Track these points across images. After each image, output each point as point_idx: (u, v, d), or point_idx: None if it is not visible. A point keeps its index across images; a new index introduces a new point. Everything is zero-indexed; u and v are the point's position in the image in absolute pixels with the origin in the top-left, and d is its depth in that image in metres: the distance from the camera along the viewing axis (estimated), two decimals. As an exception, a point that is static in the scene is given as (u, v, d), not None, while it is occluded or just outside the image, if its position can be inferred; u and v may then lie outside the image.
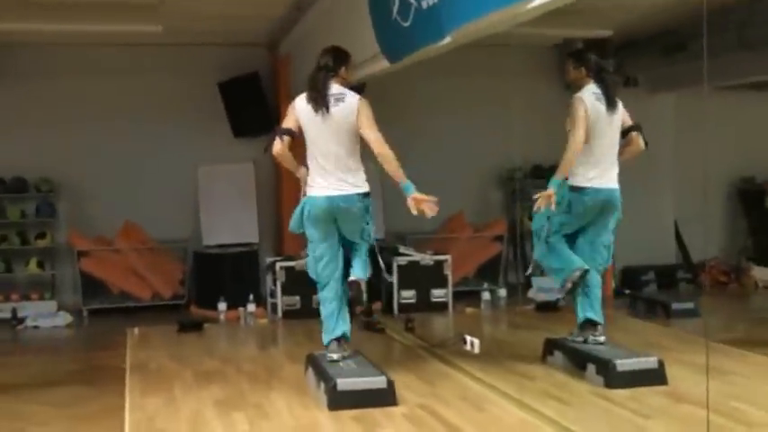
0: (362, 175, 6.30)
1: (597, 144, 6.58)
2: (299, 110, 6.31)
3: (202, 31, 10.22)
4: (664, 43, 10.41)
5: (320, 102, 6.17)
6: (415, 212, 5.95)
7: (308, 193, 6.38)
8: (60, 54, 10.62)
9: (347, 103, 6.16)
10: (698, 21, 9.11)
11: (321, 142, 6.23)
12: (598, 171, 6.62)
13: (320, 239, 6.39)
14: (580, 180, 6.59)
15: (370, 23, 6.80)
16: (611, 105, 6.59)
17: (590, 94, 6.54)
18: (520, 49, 10.97)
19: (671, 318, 9.32)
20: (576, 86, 6.72)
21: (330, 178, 6.22)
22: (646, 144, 6.88)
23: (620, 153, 6.78)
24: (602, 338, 6.72)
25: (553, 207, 6.36)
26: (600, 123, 6.55)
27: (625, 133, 6.80)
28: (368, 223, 6.40)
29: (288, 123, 6.35)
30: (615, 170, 6.72)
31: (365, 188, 6.29)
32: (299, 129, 6.31)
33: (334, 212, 6.26)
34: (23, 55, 10.53)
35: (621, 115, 6.75)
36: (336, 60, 6.34)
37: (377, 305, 9.65)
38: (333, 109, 6.15)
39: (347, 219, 6.29)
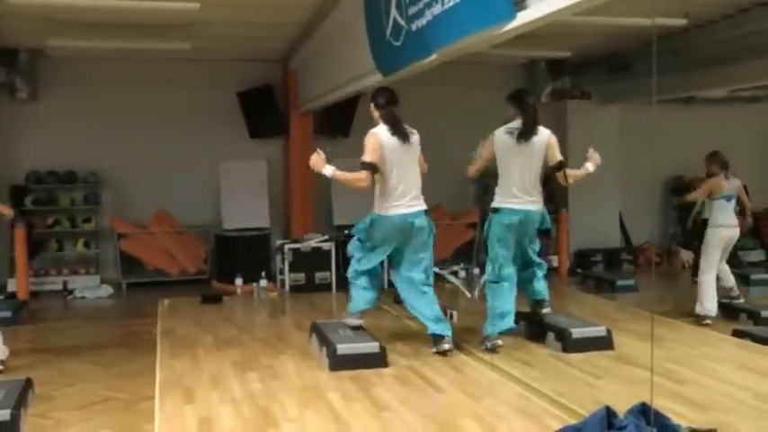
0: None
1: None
2: (385, 142, 5.96)
3: (225, 49, 10.11)
4: (612, 63, 10.41)
5: (404, 135, 6.02)
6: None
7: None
8: (106, 67, 10.47)
9: (417, 136, 6.15)
10: (641, 45, 9.21)
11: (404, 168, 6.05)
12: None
13: None
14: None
15: (366, 43, 6.70)
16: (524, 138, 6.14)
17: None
18: (492, 67, 10.88)
19: (615, 293, 9.30)
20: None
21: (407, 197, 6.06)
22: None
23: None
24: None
25: None
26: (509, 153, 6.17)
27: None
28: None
29: (372, 157, 5.89)
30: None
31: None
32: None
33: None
34: (75, 67, 10.37)
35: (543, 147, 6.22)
36: (394, 98, 6.13)
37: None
38: (412, 139, 6.09)
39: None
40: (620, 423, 3.69)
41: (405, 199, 6.00)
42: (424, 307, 6.17)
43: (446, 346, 6.02)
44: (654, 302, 8.57)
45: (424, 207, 6.13)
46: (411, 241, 6.11)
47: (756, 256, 11.85)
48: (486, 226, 6.45)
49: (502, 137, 6.18)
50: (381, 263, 6.39)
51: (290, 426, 4.48)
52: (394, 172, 5.96)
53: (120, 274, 10.42)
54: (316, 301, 8.94)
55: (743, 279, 9.37)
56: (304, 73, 10.20)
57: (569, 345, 6.08)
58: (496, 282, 6.25)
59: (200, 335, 7.12)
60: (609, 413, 3.72)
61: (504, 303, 6.20)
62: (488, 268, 6.34)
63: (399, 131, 5.98)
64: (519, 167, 6.15)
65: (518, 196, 6.16)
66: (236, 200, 10.88)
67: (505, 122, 6.27)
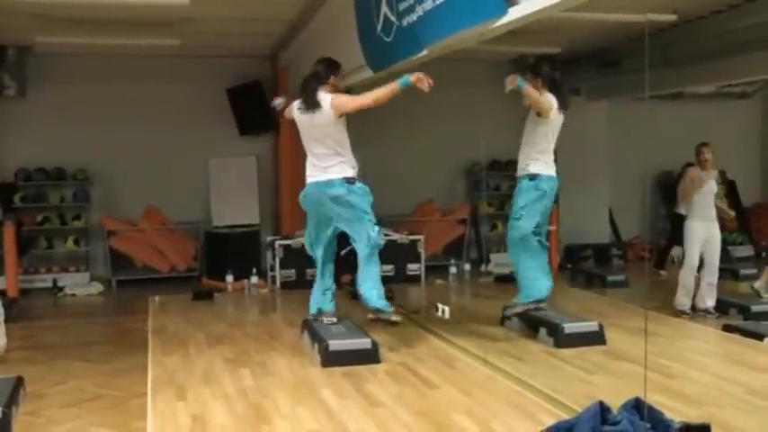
0: (346, 164, 5.98)
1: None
2: (294, 112, 6.15)
3: (213, 45, 10.08)
4: (601, 59, 10.38)
5: (309, 106, 5.95)
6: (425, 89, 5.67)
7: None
8: (95, 63, 10.42)
9: (324, 108, 5.89)
10: (630, 42, 9.20)
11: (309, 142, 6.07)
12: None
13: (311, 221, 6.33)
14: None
15: (357, 39, 6.69)
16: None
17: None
18: (482, 64, 10.86)
19: (606, 288, 9.30)
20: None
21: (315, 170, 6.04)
22: None
23: None
24: None
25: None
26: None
27: None
28: (362, 218, 6.00)
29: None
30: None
31: (346, 173, 5.95)
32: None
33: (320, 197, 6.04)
34: (64, 64, 10.33)
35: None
36: (327, 69, 6.13)
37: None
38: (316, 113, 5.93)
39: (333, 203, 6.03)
40: (614, 418, 3.67)
41: (313, 169, 6.04)
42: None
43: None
44: (644, 298, 8.58)
45: (338, 175, 5.95)
46: (335, 212, 6.06)
47: (745, 251, 11.88)
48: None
49: None
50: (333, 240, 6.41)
51: (284, 422, 4.46)
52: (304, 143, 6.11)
53: (110, 271, 10.40)
54: (307, 297, 8.79)
55: (732, 274, 9.41)
56: (294, 69, 10.16)
57: (561, 340, 6.06)
58: None
59: (192, 332, 7.09)
60: (602, 408, 3.70)
61: None
62: None
63: (306, 101, 6.01)
64: None
65: None
66: (225, 196, 10.89)
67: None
